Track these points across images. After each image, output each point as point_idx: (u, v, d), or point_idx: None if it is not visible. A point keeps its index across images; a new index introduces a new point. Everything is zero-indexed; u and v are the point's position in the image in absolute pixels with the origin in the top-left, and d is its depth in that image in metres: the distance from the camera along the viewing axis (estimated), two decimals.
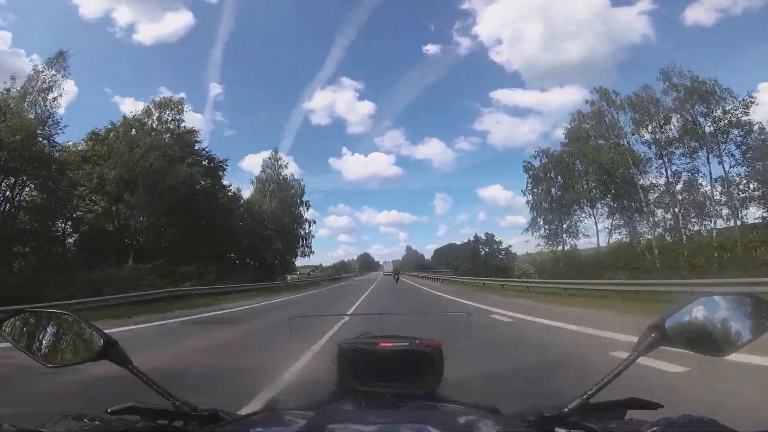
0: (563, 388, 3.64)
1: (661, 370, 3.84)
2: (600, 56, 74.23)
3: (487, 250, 59.26)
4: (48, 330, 1.02)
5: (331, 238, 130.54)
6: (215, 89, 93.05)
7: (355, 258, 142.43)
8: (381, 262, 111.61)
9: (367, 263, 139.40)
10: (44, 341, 1.01)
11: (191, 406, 0.94)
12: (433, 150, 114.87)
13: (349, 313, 12.25)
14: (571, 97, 79.23)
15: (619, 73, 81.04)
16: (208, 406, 0.97)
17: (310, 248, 49.04)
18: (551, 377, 4.46)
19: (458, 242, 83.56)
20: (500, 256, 55.57)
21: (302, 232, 47.71)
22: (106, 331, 0.98)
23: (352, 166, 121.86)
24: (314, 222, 48.91)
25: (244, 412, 1.09)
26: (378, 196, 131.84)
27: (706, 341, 0.84)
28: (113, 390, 2.62)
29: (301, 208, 47.58)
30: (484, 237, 59.88)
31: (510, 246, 56.27)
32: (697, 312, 0.85)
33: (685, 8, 68.57)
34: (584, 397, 0.86)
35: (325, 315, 11.15)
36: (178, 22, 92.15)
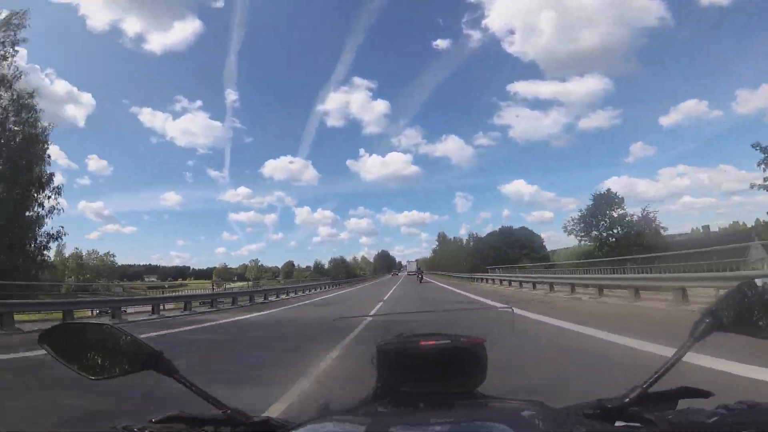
0: (605, 386, 3.58)
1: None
2: (618, 42, 73.31)
3: None
4: (89, 342, 1.01)
5: (352, 241, 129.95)
6: (231, 96, 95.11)
7: (371, 258, 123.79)
8: (404, 263, 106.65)
9: (386, 263, 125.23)
10: (85, 353, 1.00)
11: (243, 414, 0.92)
12: (451, 147, 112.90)
13: (383, 313, 12.25)
14: (592, 86, 77.93)
15: (639, 59, 79.57)
16: (259, 413, 0.95)
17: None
18: (591, 375, 4.39)
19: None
20: None
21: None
22: None
23: (370, 167, 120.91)
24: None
25: (276, 413, 1.08)
26: (398, 197, 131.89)
27: (759, 325, 0.83)
28: (159, 402, 2.66)
29: None
30: None
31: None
32: (746, 296, 0.84)
33: None
34: (644, 386, 0.85)
35: (366, 316, 11.37)
36: (187, 29, 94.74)
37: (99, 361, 0.99)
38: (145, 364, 0.95)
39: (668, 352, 0.89)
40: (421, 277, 41.50)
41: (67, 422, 3.47)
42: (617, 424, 0.82)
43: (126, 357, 0.97)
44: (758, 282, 0.86)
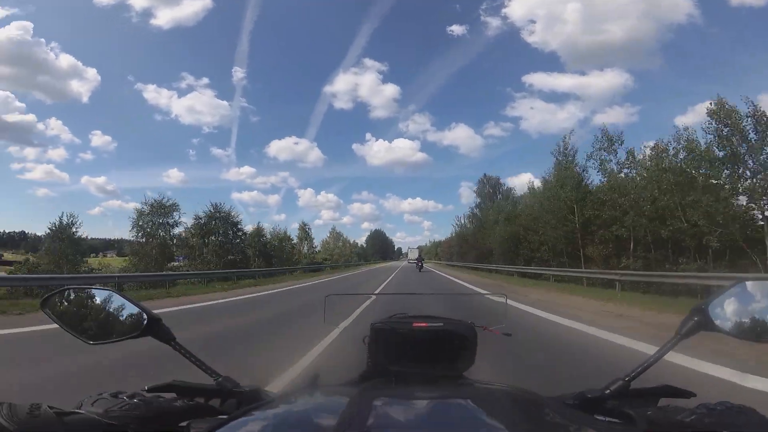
0: (596, 376, 3.59)
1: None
2: (643, 37, 70.63)
3: None
4: (90, 307, 1.02)
5: (354, 225, 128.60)
6: (239, 74, 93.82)
7: (363, 242, 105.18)
8: (404, 249, 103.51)
9: (381, 247, 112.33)
10: (87, 318, 1.01)
11: (233, 383, 0.94)
12: (460, 135, 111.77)
13: (377, 292, 12.51)
14: (610, 81, 76.22)
15: (664, 55, 77.37)
16: (250, 382, 0.97)
17: None
18: (582, 366, 4.43)
19: None
20: None
21: None
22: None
23: (376, 152, 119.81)
24: None
25: (275, 389, 1.12)
26: (402, 183, 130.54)
27: (747, 327, 0.83)
28: (155, 367, 2.68)
29: None
30: None
31: None
32: (738, 297, 0.85)
33: None
34: (626, 379, 0.86)
35: (358, 294, 11.38)
36: (196, 5, 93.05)
37: (99, 326, 1.01)
38: (144, 331, 0.96)
39: None
40: (421, 266, 38.76)
41: (56, 389, 3.49)
42: (597, 417, 0.82)
43: (126, 322, 0.98)
44: (750, 285, 0.85)
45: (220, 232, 31.16)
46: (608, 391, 0.85)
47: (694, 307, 0.86)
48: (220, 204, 31.71)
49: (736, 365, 3.92)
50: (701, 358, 4.00)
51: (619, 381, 0.86)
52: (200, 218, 30.89)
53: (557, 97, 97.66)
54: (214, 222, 31.07)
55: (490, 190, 50.51)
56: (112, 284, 13.64)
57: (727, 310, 0.84)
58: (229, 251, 30.49)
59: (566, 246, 23.56)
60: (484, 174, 53.30)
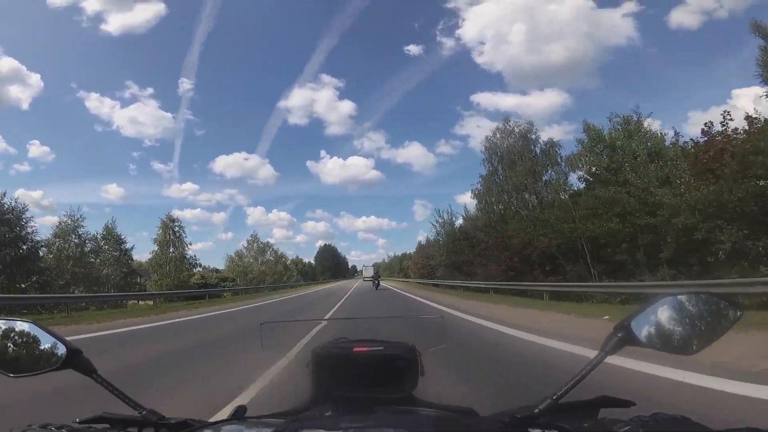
0: (538, 390, 3.66)
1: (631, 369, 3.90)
2: (583, 58, 75.17)
3: None
4: (9, 339, 0.99)
5: (309, 244, 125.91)
6: (185, 84, 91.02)
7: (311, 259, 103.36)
8: (359, 267, 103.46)
9: (332, 264, 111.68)
10: (5, 351, 0.98)
11: (159, 415, 0.93)
12: (414, 153, 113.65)
13: (327, 317, 12.26)
14: (550, 100, 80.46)
15: (602, 75, 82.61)
16: (177, 415, 0.96)
17: None
18: (526, 379, 4.52)
19: None
20: None
21: None
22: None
23: (331, 169, 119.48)
24: None
25: (214, 420, 1.08)
26: (357, 202, 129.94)
27: (672, 340, 0.87)
28: (81, 399, 2.55)
29: None
30: None
31: None
32: (662, 311, 0.87)
33: (670, 10, 71.96)
34: (554, 397, 0.87)
35: (299, 320, 10.89)
36: (149, 12, 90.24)
37: (19, 359, 0.98)
38: (64, 363, 0.94)
39: None
40: (378, 284, 37.53)
41: None
42: (530, 431, 0.83)
43: (46, 355, 0.96)
44: (682, 298, 0.89)
45: None
46: (537, 410, 0.86)
47: (617, 324, 0.88)
48: None
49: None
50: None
51: (548, 399, 0.87)
52: None
53: (500, 116, 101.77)
54: None
55: (508, 150, 29.54)
56: None
57: (651, 324, 0.87)
58: None
59: None
60: (506, 116, 33.30)
